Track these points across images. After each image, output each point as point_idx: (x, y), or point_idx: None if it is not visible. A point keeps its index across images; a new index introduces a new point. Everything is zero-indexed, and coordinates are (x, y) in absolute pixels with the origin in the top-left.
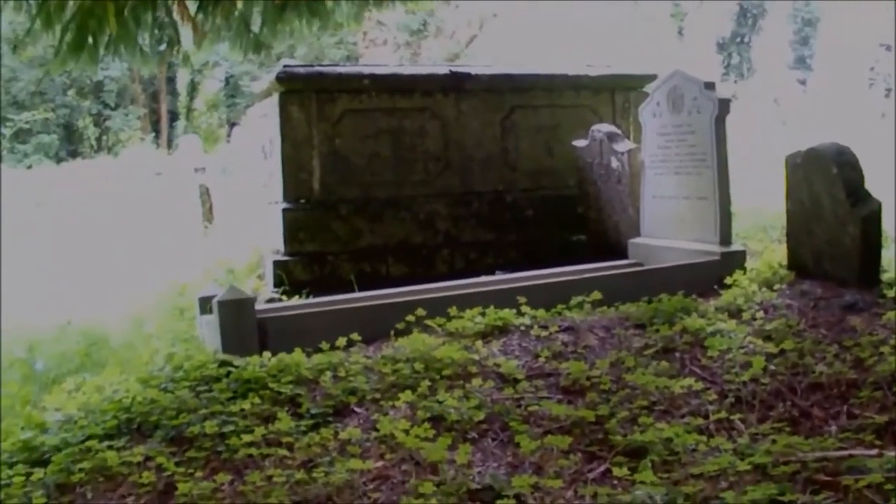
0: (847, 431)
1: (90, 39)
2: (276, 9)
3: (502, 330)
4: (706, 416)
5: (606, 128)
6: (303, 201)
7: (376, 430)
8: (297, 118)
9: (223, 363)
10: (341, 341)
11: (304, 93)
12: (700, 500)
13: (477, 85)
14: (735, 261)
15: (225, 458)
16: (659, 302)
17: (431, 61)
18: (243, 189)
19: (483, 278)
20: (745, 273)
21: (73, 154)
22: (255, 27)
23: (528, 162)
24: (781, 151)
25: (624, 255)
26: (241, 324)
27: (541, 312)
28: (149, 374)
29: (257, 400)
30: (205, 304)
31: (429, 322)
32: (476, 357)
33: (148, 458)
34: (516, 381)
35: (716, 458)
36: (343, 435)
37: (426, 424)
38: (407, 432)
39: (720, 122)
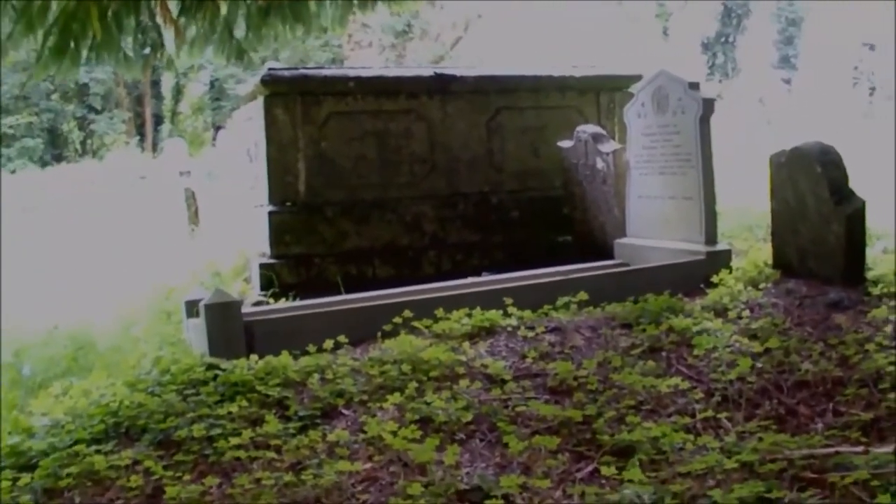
0: (833, 429)
1: (73, 44)
2: (260, 13)
3: (489, 331)
4: (693, 415)
5: (592, 128)
6: (289, 204)
7: (364, 431)
8: (282, 121)
9: (210, 366)
10: (328, 343)
11: (289, 96)
12: (688, 499)
13: (462, 86)
14: (721, 260)
15: (213, 462)
16: (645, 302)
17: (417, 63)
18: (229, 192)
19: (470, 279)
20: (730, 272)
21: (58, 158)
22: (240, 31)
23: (513, 163)
24: (766, 151)
25: (610, 256)
26: (227, 327)
27: (527, 313)
28: (136, 377)
29: (245, 403)
30: (191, 308)
31: (416, 324)
32: (463, 358)
33: (136, 462)
34: (504, 381)
35: (703, 456)
36: (331, 437)
37: (414, 426)
38: (395, 434)
39: (705, 122)
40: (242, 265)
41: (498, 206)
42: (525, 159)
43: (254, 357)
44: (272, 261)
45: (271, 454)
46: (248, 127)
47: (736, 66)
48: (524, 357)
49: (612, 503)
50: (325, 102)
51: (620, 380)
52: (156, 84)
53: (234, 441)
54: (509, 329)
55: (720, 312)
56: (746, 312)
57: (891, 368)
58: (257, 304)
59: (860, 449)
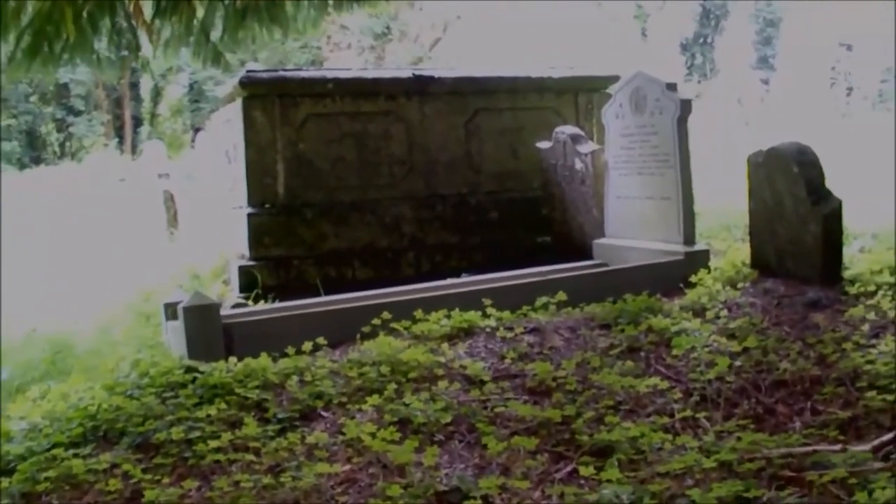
0: (811, 427)
1: (47, 45)
2: (237, 15)
3: (468, 332)
4: (672, 415)
5: (570, 129)
6: (267, 206)
7: (343, 433)
8: (260, 123)
9: (189, 369)
10: (307, 345)
11: (267, 97)
12: (666, 498)
13: (441, 88)
14: (699, 260)
15: (192, 464)
16: (624, 302)
17: (395, 65)
18: (208, 194)
19: (449, 281)
20: (709, 272)
21: (37, 160)
22: (217, 33)
23: (492, 164)
24: (744, 151)
25: (589, 256)
26: (206, 329)
27: (506, 314)
28: (114, 380)
29: (224, 405)
30: (170, 310)
31: (395, 325)
32: (442, 359)
33: (114, 466)
34: (482, 382)
35: (682, 455)
36: (310, 439)
37: (393, 427)
38: (374, 435)
39: (682, 123)
40: (221, 267)
41: (477, 208)
42: (503, 160)
43: (233, 359)
44: (251, 263)
45: (250, 457)
46: (226, 129)
47: (714, 66)
48: (503, 358)
49: (590, 503)
50: (303, 104)
51: (599, 380)
52: (135, 86)
53: (213, 444)
54: (488, 330)
55: (699, 312)
56: (725, 312)
57: (868, 367)
58: (236, 306)
59: (838, 447)
